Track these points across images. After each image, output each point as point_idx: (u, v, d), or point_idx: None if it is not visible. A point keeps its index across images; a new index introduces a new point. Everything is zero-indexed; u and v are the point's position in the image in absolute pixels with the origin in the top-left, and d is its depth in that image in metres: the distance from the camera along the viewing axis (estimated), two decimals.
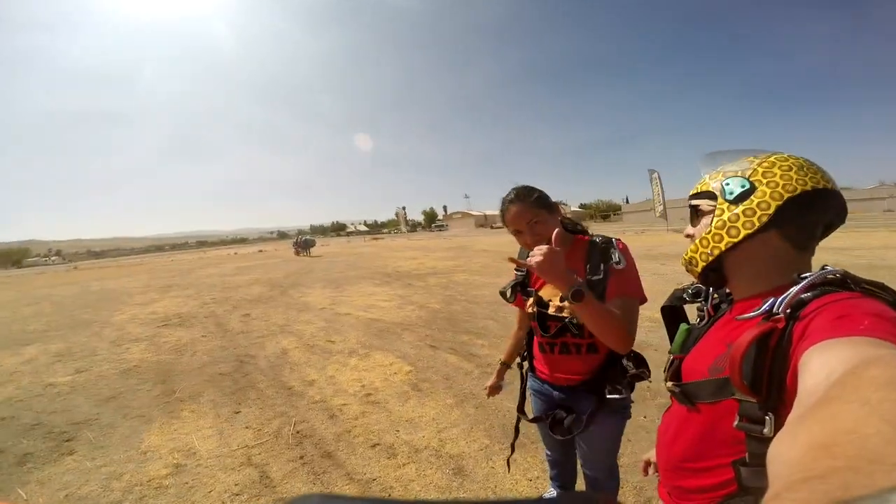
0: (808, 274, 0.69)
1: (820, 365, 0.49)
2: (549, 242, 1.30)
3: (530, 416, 1.66)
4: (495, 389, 1.81)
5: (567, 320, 1.41)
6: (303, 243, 27.82)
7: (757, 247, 0.77)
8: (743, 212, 0.77)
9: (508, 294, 1.57)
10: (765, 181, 0.77)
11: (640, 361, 1.45)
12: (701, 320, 0.97)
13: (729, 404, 0.72)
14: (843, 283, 0.67)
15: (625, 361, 1.43)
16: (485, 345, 4.91)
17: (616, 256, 1.34)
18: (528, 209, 1.39)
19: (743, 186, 0.79)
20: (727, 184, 0.81)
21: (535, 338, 1.61)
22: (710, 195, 0.84)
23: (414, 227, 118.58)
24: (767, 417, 0.64)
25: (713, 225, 0.81)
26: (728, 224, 0.79)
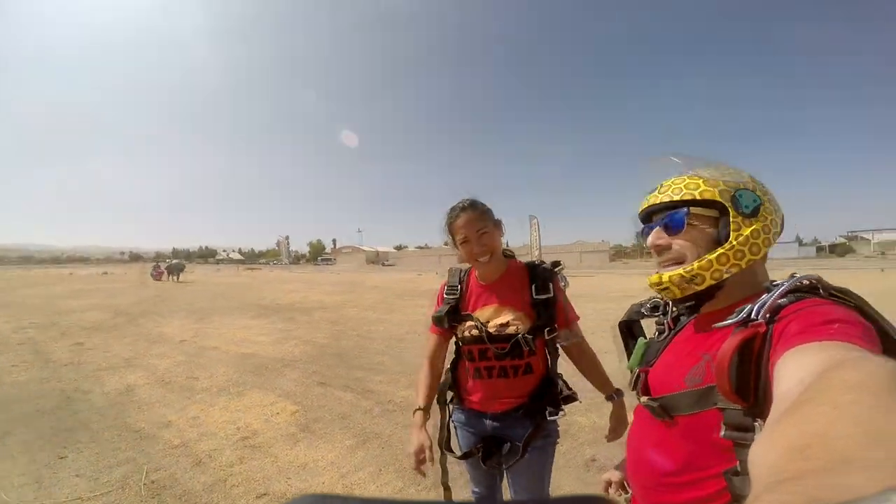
0: (780, 281, 0.71)
1: (793, 370, 0.51)
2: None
3: (458, 452, 1.52)
4: (430, 450, 1.32)
5: (519, 336, 1.37)
6: (172, 267, 25.53)
7: None
8: (763, 228, 0.76)
9: (444, 320, 1.48)
10: (764, 196, 0.78)
11: (567, 384, 1.48)
12: (660, 334, 0.96)
13: (710, 414, 0.71)
14: (814, 289, 0.69)
15: (560, 382, 1.44)
16: (383, 380, 4.62)
17: (563, 279, 1.45)
18: (479, 218, 1.41)
19: (755, 201, 0.77)
20: (740, 196, 0.78)
21: (461, 366, 1.52)
22: (711, 204, 0.79)
23: (297, 259, 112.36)
24: (757, 424, 0.64)
25: (735, 241, 0.77)
26: (751, 241, 0.76)
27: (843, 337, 0.53)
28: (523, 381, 1.41)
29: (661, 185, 0.86)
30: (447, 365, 1.60)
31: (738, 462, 0.66)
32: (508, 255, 1.53)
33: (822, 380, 0.38)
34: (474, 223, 1.40)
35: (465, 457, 1.49)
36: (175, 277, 24.62)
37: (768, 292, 0.69)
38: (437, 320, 1.50)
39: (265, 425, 3.43)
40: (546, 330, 1.38)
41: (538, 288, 1.40)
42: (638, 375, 0.92)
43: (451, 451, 1.54)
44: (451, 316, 1.49)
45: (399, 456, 2.89)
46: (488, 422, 1.45)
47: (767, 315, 0.65)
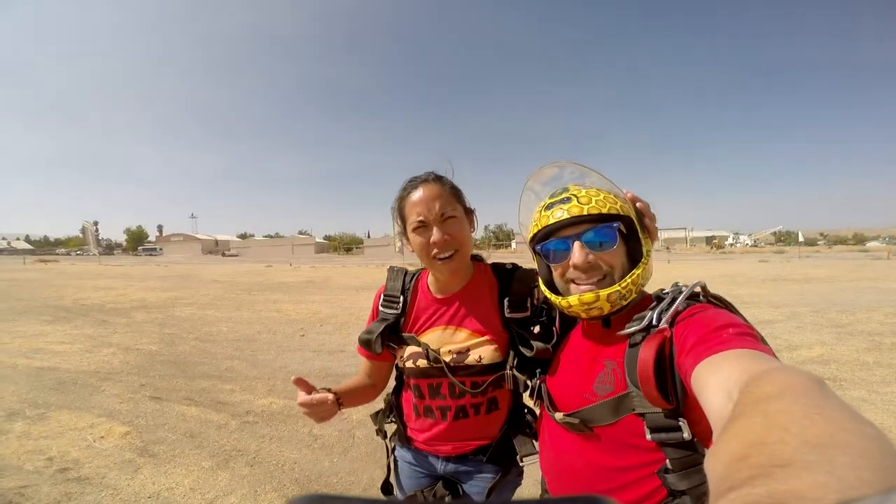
0: (669, 290, 0.79)
1: (716, 385, 0.54)
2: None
3: (399, 494, 1.25)
4: (324, 405, 1.03)
5: (507, 371, 1.04)
6: None
7: None
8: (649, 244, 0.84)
9: (376, 344, 1.11)
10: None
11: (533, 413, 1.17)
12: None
13: (630, 419, 0.73)
14: (697, 296, 0.76)
15: (527, 412, 1.16)
16: (236, 389, 4.18)
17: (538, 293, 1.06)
18: (448, 196, 1.05)
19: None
20: (640, 214, 0.83)
21: (405, 397, 1.21)
22: (624, 219, 0.81)
23: (110, 248, 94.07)
24: (681, 423, 0.67)
25: (649, 256, 0.82)
26: (650, 256, 0.82)
27: (742, 343, 0.59)
28: (488, 421, 1.12)
29: (577, 196, 0.81)
30: (388, 389, 1.30)
31: (667, 460, 0.70)
32: (476, 259, 1.19)
33: (749, 394, 0.42)
34: (438, 201, 1.02)
35: (409, 501, 1.21)
36: None
37: (660, 300, 0.76)
38: (366, 344, 1.14)
39: (88, 452, 2.90)
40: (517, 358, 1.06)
41: (514, 304, 1.07)
42: (539, 386, 0.93)
43: (389, 493, 1.26)
44: (387, 337, 1.13)
45: (274, 473, 2.66)
46: (441, 464, 1.17)
47: (671, 320, 0.71)
